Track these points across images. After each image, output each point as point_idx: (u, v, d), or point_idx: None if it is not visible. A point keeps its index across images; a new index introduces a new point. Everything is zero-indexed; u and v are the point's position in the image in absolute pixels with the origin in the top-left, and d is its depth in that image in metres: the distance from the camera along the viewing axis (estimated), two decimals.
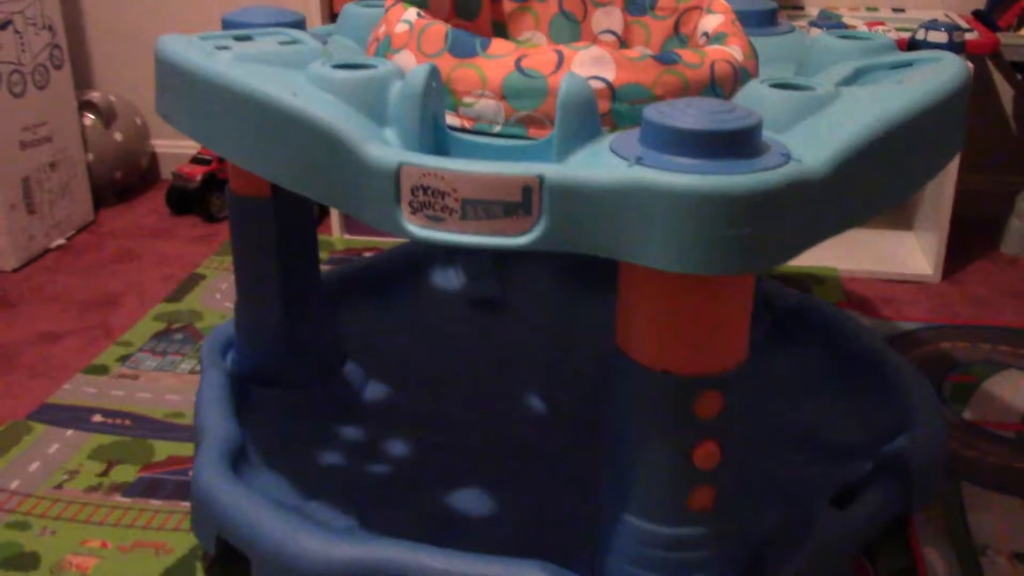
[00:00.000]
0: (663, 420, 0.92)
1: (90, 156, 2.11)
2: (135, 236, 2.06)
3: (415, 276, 1.68)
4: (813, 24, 1.82)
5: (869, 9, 2.11)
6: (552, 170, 0.81)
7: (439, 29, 0.98)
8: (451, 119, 0.97)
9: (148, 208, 2.21)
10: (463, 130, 0.96)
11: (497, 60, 0.95)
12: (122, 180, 2.22)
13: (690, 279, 0.84)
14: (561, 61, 0.94)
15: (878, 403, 1.29)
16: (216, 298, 1.78)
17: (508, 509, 1.19)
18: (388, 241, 1.88)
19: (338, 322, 1.48)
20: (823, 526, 1.06)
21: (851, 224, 0.88)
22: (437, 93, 0.89)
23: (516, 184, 0.81)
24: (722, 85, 0.99)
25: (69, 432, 1.41)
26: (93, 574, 1.15)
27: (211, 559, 1.15)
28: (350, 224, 2.06)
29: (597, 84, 0.93)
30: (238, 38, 1.09)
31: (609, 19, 1.28)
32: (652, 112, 0.84)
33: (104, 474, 1.32)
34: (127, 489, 1.29)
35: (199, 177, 2.11)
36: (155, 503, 1.26)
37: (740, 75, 1.01)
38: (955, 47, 1.73)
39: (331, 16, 1.94)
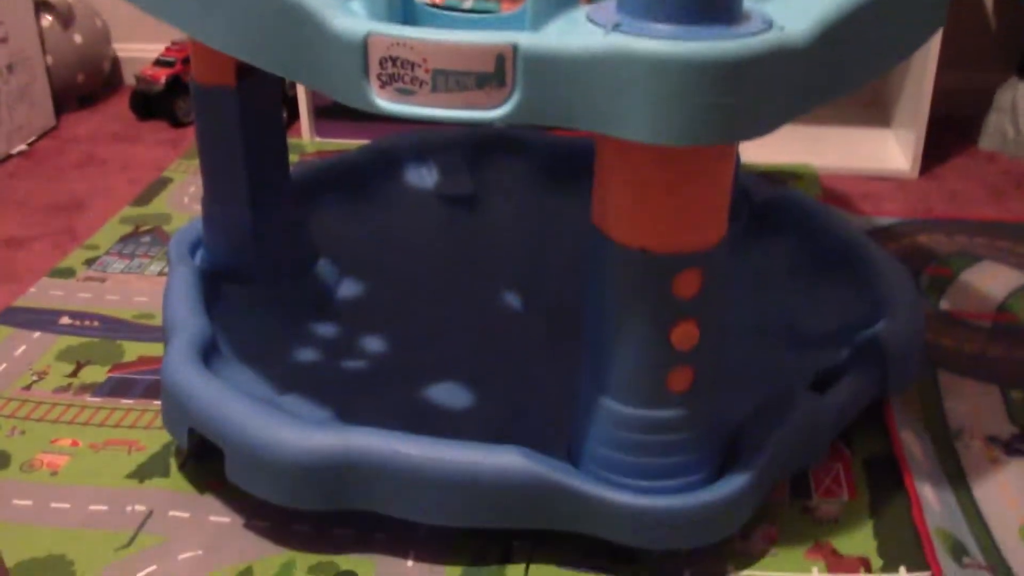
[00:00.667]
0: (641, 300, 0.90)
1: (49, 59, 2.05)
2: (99, 141, 2.02)
3: (387, 174, 1.65)
4: None
5: None
6: (527, 38, 0.78)
7: None
8: None
9: (112, 113, 2.16)
10: (433, 6, 0.93)
11: None
12: (84, 84, 2.17)
13: (669, 152, 0.82)
14: None
15: (857, 292, 1.28)
16: (184, 201, 1.75)
17: (485, 402, 1.18)
18: (360, 143, 1.84)
19: (309, 219, 1.46)
20: (800, 409, 1.05)
21: (833, 94, 0.85)
22: None
23: (489, 53, 0.78)
24: None
25: (36, 334, 1.38)
26: (64, 471, 1.13)
27: (184, 454, 1.13)
28: (321, 126, 2.02)
29: None
30: None
31: None
32: None
33: (73, 375, 1.29)
34: (97, 389, 1.26)
35: (163, 80, 2.06)
36: (126, 402, 1.24)
37: None
38: None
39: None
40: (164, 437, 1.15)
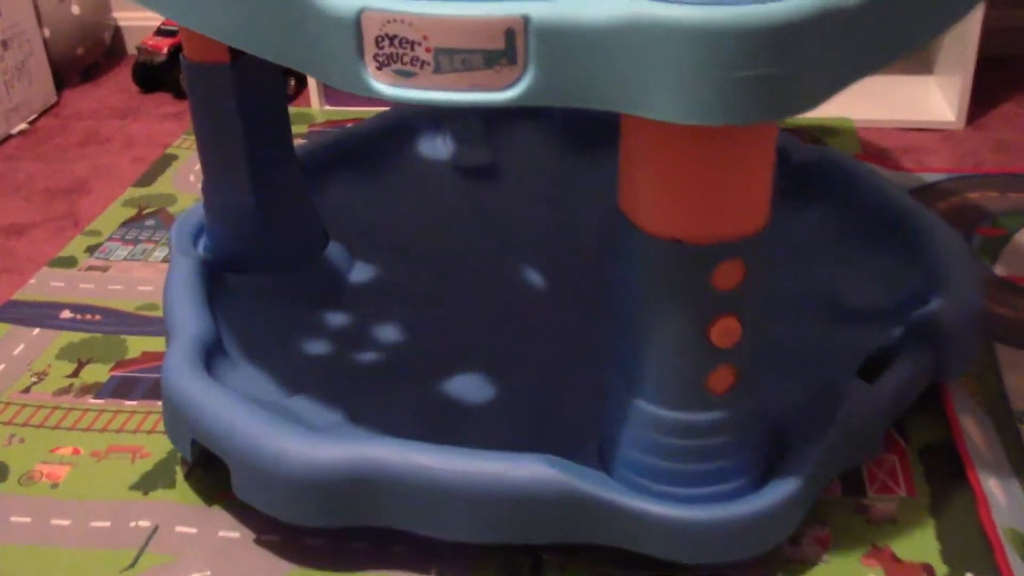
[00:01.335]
0: (676, 294, 0.81)
1: (46, 32, 1.96)
2: (102, 117, 1.94)
3: (400, 146, 1.56)
4: None
5: None
6: (539, 8, 0.69)
7: None
8: None
9: (115, 86, 2.07)
10: None
11: None
12: (85, 57, 2.08)
13: (704, 132, 0.73)
14: None
15: (906, 262, 1.18)
16: (190, 180, 1.67)
17: (509, 395, 1.10)
18: (372, 111, 1.75)
19: (318, 200, 1.37)
20: (850, 401, 0.96)
21: (888, 59, 0.76)
22: None
23: (498, 27, 0.69)
24: None
25: (36, 331, 1.30)
26: (65, 484, 1.06)
27: (190, 464, 1.06)
28: (331, 94, 1.92)
29: None
30: None
31: None
32: None
33: (74, 375, 1.22)
34: (99, 390, 1.19)
35: (166, 50, 1.97)
36: (129, 404, 1.16)
37: None
38: None
39: None
40: (169, 442, 1.08)
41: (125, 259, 1.45)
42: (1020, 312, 1.25)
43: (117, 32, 2.20)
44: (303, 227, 1.26)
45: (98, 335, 1.29)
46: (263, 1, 0.75)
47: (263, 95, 1.16)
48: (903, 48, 0.78)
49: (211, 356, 1.03)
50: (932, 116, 1.77)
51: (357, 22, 0.70)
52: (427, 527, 0.91)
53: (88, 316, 1.33)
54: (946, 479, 1.01)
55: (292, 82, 1.96)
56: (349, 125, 1.53)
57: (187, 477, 1.06)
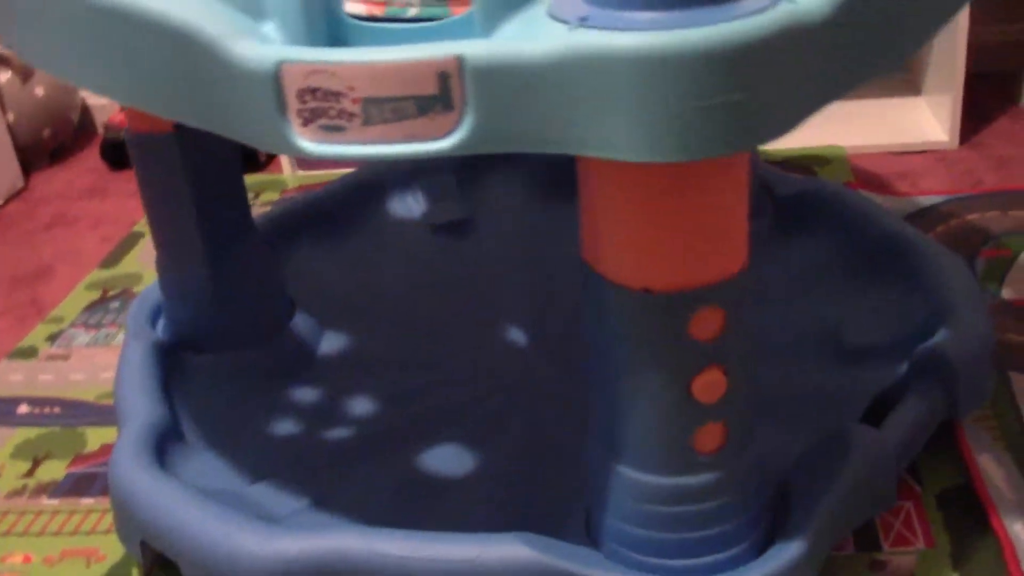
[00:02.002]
0: (651, 349, 0.74)
1: (10, 116, 1.91)
2: (70, 198, 1.87)
3: (369, 206, 1.49)
4: None
5: None
6: (474, 47, 0.62)
7: None
8: (355, 6, 0.78)
9: (84, 167, 2.01)
10: (372, 19, 0.78)
11: None
12: (52, 139, 2.02)
13: (665, 170, 0.65)
14: None
15: (908, 294, 1.11)
16: None
17: (491, 466, 1.02)
18: (346, 172, 1.68)
19: (285, 268, 1.30)
20: (857, 448, 0.88)
21: (859, 80, 0.69)
22: None
23: (429, 71, 0.62)
24: None
25: None
26: None
27: (147, 565, 0.98)
28: (303, 160, 1.86)
29: None
30: None
31: None
32: None
33: (29, 474, 1.14)
34: (55, 489, 1.11)
35: None
36: (86, 502, 1.09)
37: None
38: None
39: None
40: None
41: (87, 345, 1.38)
42: None
43: (85, 111, 2.15)
44: (266, 299, 1.19)
45: (56, 428, 1.21)
46: (177, 62, 0.68)
47: (212, 163, 1.09)
48: (875, 66, 0.71)
49: (164, 445, 0.96)
50: (925, 137, 1.70)
51: (276, 77, 0.63)
52: None
53: (47, 409, 1.25)
54: (967, 526, 0.94)
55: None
56: (316, 189, 1.46)
57: None
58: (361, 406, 1.13)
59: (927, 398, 0.96)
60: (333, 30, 0.70)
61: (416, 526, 0.84)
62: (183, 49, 0.67)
